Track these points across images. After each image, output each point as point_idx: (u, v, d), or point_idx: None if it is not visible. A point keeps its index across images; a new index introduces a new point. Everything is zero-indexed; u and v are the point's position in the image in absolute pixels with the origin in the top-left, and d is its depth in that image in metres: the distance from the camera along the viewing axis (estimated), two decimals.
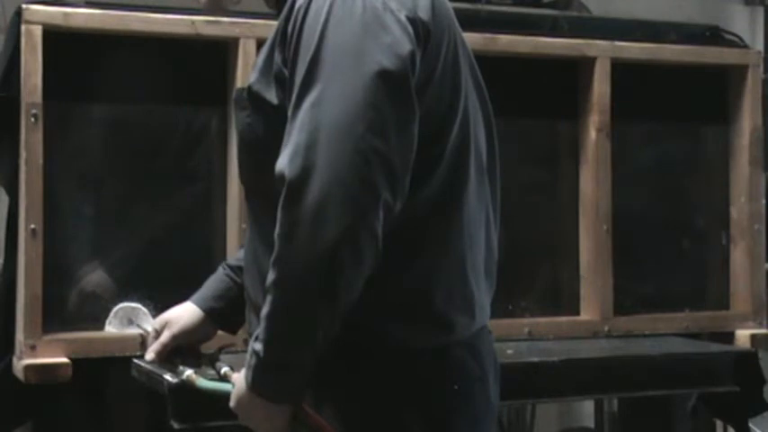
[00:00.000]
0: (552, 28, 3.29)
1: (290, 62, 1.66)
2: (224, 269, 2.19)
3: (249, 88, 1.76)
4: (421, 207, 1.69)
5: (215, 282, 2.19)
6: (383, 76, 1.60)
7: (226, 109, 2.79)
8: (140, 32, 2.70)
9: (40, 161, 2.59)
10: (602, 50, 3.13)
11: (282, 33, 1.70)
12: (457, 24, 1.80)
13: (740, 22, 4.83)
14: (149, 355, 2.22)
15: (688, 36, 3.40)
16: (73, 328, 2.67)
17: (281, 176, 1.58)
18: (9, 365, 2.64)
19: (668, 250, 3.33)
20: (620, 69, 3.15)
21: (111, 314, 2.70)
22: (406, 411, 1.71)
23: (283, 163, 1.59)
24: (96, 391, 2.74)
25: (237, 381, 1.75)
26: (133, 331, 2.66)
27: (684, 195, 3.40)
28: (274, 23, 2.76)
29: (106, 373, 2.70)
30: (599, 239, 3.11)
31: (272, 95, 1.72)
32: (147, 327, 2.63)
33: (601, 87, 3.12)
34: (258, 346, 1.65)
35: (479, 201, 1.80)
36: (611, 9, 3.93)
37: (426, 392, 1.72)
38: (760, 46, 4.67)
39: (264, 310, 1.63)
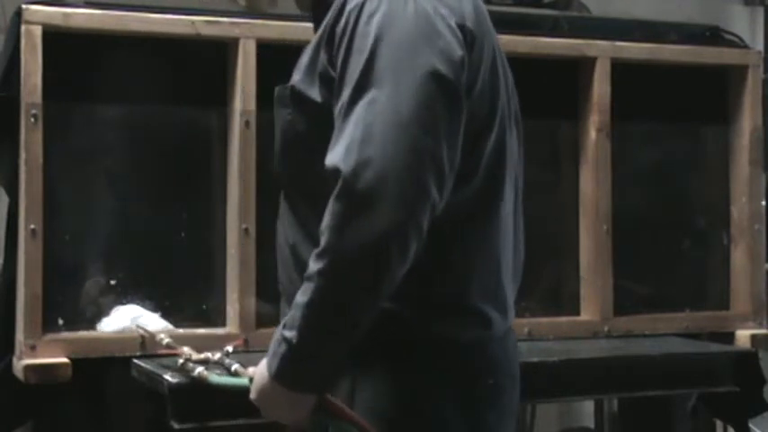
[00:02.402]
0: (552, 28, 3.29)
1: (341, 62, 1.69)
2: None
3: (292, 87, 1.81)
4: (464, 205, 1.74)
5: None
6: (437, 78, 1.65)
7: (226, 109, 2.79)
8: (140, 33, 2.70)
9: (40, 161, 2.59)
10: (602, 50, 3.13)
11: (330, 34, 1.74)
12: (493, 30, 1.85)
13: (740, 22, 4.83)
14: None
15: (688, 36, 3.40)
16: (73, 329, 2.67)
17: (336, 170, 1.62)
18: (9, 365, 2.65)
19: (668, 250, 3.33)
20: (621, 69, 3.15)
21: (111, 314, 2.70)
22: (443, 404, 1.74)
23: (338, 157, 1.62)
24: (96, 391, 2.74)
25: (258, 371, 1.76)
26: (133, 331, 2.65)
27: (684, 195, 3.40)
28: (274, 24, 2.80)
29: (106, 374, 2.70)
30: (599, 239, 3.11)
31: (315, 94, 1.76)
32: (147, 327, 2.63)
33: (601, 87, 3.12)
34: (290, 334, 1.66)
35: (511, 203, 1.85)
36: (611, 9, 3.92)
37: (465, 385, 1.76)
38: (760, 46, 4.67)
39: (302, 299, 1.65)
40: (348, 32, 1.69)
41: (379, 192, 1.59)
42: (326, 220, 1.62)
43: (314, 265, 1.64)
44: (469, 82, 1.72)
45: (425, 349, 1.74)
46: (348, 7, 1.72)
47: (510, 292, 1.87)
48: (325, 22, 1.77)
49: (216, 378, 2.09)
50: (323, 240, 1.63)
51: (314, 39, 1.80)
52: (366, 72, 1.65)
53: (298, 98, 1.79)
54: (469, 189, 1.74)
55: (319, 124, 1.71)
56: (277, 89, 1.85)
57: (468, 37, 1.73)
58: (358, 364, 1.73)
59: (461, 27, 1.72)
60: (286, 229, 1.89)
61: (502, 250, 1.82)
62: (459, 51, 1.69)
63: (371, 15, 1.68)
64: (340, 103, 1.67)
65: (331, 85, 1.72)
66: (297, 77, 1.81)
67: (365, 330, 1.67)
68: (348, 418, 1.71)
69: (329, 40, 1.74)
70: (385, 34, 1.66)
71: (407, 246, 1.61)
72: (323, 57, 1.74)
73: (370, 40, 1.66)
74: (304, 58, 1.82)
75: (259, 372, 1.76)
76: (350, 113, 1.65)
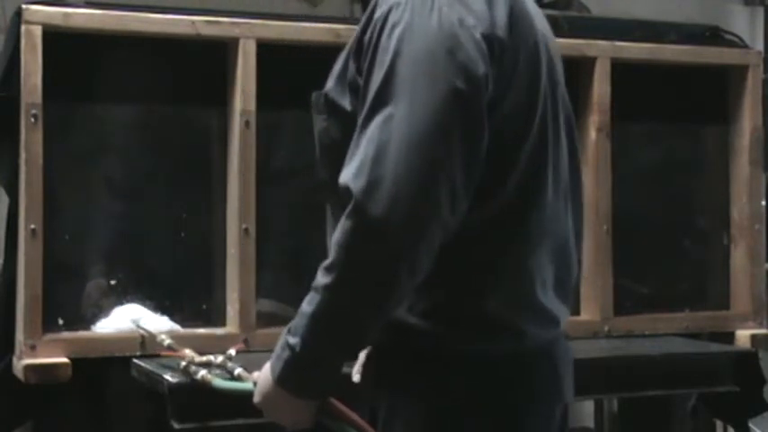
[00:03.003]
0: (552, 28, 3.28)
1: (365, 74, 1.68)
2: None
3: (326, 94, 1.79)
4: (490, 218, 1.70)
5: None
6: (456, 95, 1.62)
7: (226, 109, 2.79)
8: (140, 33, 2.70)
9: (40, 161, 2.59)
10: (602, 50, 3.13)
11: (359, 43, 1.72)
12: (538, 29, 1.80)
13: (740, 22, 4.83)
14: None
15: (688, 36, 3.40)
16: (73, 328, 2.67)
17: (347, 189, 1.61)
18: (9, 365, 2.65)
19: (668, 250, 3.33)
20: (621, 69, 3.15)
21: (112, 314, 2.70)
22: (477, 422, 1.72)
23: (349, 176, 1.61)
24: (96, 391, 2.74)
25: (261, 374, 1.77)
26: (133, 331, 2.65)
27: (685, 195, 3.40)
28: (274, 24, 2.80)
29: (106, 374, 2.70)
30: (599, 239, 3.11)
31: (345, 102, 1.75)
32: (147, 327, 2.63)
33: (601, 87, 3.12)
34: (294, 340, 1.67)
35: (555, 214, 1.79)
36: (611, 9, 3.92)
37: (499, 402, 1.73)
38: (760, 46, 4.67)
39: (309, 309, 1.65)
40: (372, 44, 1.67)
41: (389, 213, 1.57)
42: (337, 235, 1.62)
43: (321, 278, 1.64)
44: (497, 95, 1.67)
45: (457, 366, 1.72)
46: (376, 15, 1.69)
47: (554, 302, 1.80)
48: (357, 29, 1.75)
49: (219, 382, 2.09)
50: (332, 255, 1.62)
51: (348, 44, 1.78)
52: (384, 87, 1.63)
53: (330, 106, 1.78)
54: (496, 202, 1.71)
55: (351, 132, 1.69)
56: (313, 95, 1.83)
57: (497, 48, 1.67)
58: (394, 383, 1.74)
59: (489, 37, 1.66)
60: (329, 232, 1.87)
61: (538, 260, 1.76)
62: (481, 67, 1.64)
63: (394, 27, 1.65)
64: (360, 117, 1.66)
65: (359, 94, 1.69)
66: (330, 84, 1.79)
67: (370, 341, 1.68)
68: (351, 422, 1.71)
69: (358, 49, 1.72)
70: (405, 48, 1.63)
71: (417, 267, 1.61)
72: (352, 65, 1.73)
73: (390, 55, 1.64)
74: (337, 65, 1.80)
75: (263, 375, 1.76)
76: (365, 129, 1.63)
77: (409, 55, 1.63)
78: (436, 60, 1.62)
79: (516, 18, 1.72)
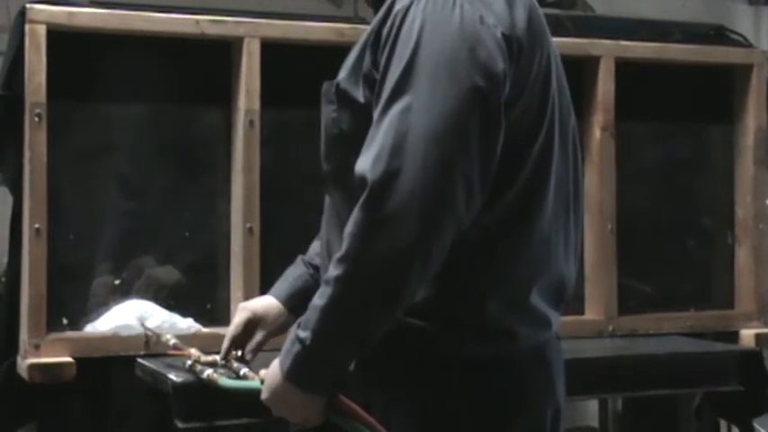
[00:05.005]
0: (556, 27, 3.28)
1: (383, 66, 1.68)
2: (307, 268, 2.15)
3: (337, 85, 1.79)
4: (495, 219, 1.70)
5: (299, 280, 2.16)
6: (475, 92, 1.62)
7: (230, 109, 2.79)
8: (144, 32, 2.70)
9: (44, 160, 2.59)
10: (606, 50, 3.13)
11: (376, 35, 1.72)
12: (549, 34, 1.81)
13: (745, 21, 4.84)
14: (249, 356, 2.17)
15: (693, 35, 3.40)
16: (77, 328, 2.67)
17: (363, 178, 1.60)
18: (13, 365, 2.65)
19: (673, 250, 3.33)
20: (625, 69, 3.15)
21: (116, 313, 2.70)
22: (468, 424, 1.72)
23: (365, 165, 1.61)
24: (100, 390, 2.74)
25: (270, 371, 1.77)
26: (137, 330, 2.65)
27: (689, 195, 3.40)
28: (278, 23, 2.80)
29: (110, 373, 2.70)
30: (603, 239, 3.10)
31: (358, 94, 1.74)
32: (151, 326, 2.63)
33: (605, 86, 3.11)
34: (304, 334, 1.66)
35: (556, 219, 1.80)
36: (616, 8, 3.92)
37: (489, 403, 1.73)
38: (765, 45, 4.68)
39: (320, 302, 1.65)
40: (392, 36, 1.67)
41: (404, 206, 1.57)
42: (350, 226, 1.62)
43: (333, 270, 1.63)
44: (513, 96, 1.68)
45: (450, 366, 1.72)
46: (395, 9, 1.69)
47: (547, 307, 1.81)
48: (373, 23, 1.75)
49: (226, 381, 2.09)
50: (344, 246, 1.62)
51: (362, 37, 1.78)
52: (403, 78, 1.63)
53: (342, 96, 1.77)
54: (501, 205, 1.71)
55: (361, 124, 1.69)
56: (324, 85, 1.83)
57: (515, 48, 1.68)
58: (387, 381, 1.75)
59: (508, 37, 1.67)
60: (325, 225, 1.88)
61: (536, 263, 1.76)
62: (500, 64, 1.64)
63: (414, 20, 1.65)
64: (377, 108, 1.66)
65: (374, 86, 1.70)
66: (343, 75, 1.79)
67: (379, 338, 1.66)
68: (361, 419, 1.71)
69: (375, 42, 1.72)
70: (426, 42, 1.64)
71: (429, 262, 1.60)
72: (368, 58, 1.73)
73: (411, 46, 1.64)
74: (351, 57, 1.80)
75: (271, 371, 1.76)
76: (383, 119, 1.63)
77: (430, 48, 1.63)
78: (457, 57, 1.63)
79: (534, 23, 1.74)
